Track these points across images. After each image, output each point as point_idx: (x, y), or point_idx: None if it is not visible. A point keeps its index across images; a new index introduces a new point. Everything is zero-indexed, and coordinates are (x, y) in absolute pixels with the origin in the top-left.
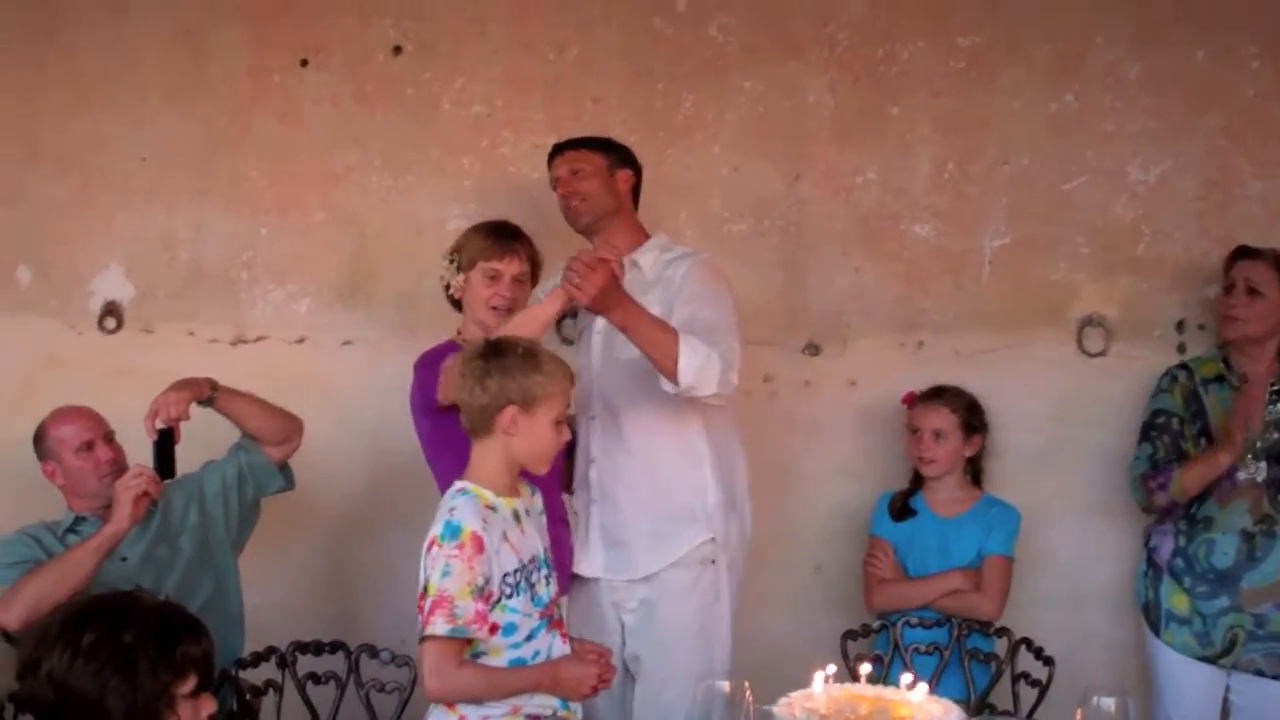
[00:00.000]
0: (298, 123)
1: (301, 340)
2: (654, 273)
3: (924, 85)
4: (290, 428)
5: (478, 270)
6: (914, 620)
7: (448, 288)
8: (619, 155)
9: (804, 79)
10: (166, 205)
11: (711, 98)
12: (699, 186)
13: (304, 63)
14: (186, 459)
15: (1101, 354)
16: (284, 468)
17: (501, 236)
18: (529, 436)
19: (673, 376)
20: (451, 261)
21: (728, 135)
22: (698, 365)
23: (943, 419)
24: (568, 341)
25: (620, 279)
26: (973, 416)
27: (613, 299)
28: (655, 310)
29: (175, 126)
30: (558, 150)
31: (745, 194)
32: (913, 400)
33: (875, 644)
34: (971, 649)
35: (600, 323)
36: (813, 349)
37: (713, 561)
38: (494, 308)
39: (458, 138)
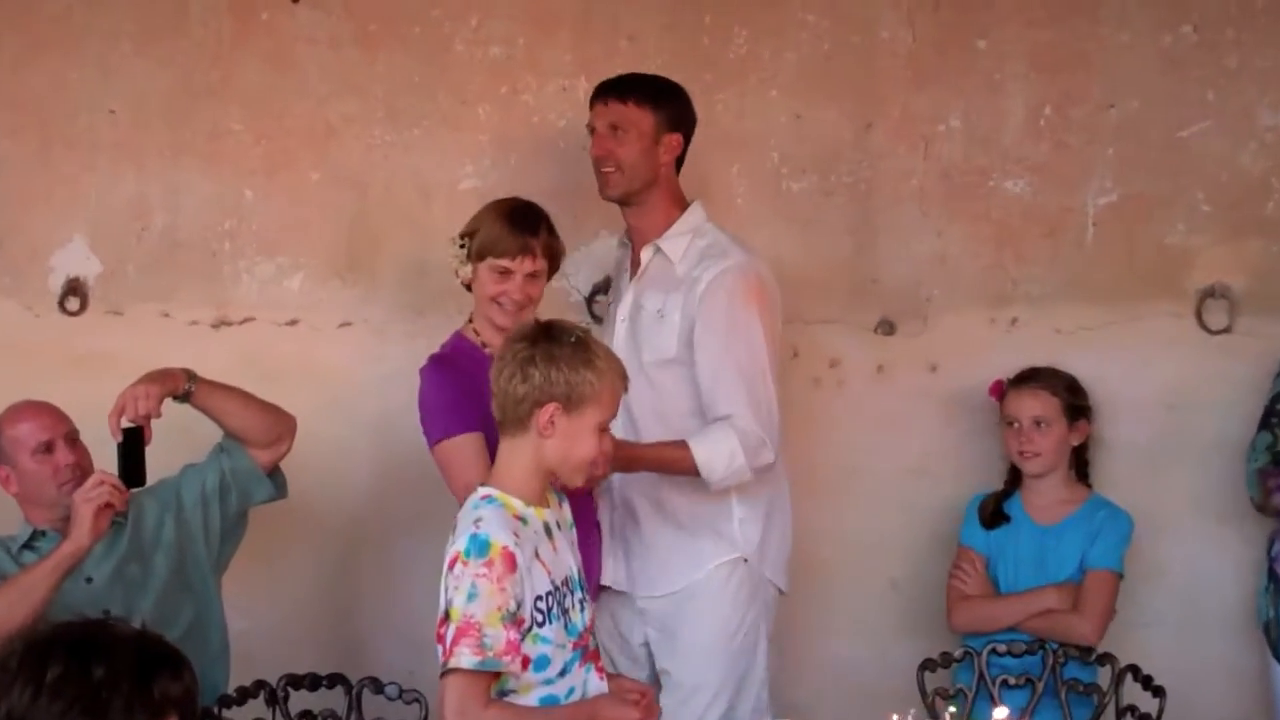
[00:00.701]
0: (288, 68)
1: (294, 322)
2: (684, 267)
3: (1016, 15)
4: (281, 427)
5: (486, 264)
6: (1001, 647)
7: (456, 273)
8: (673, 113)
9: (876, 9)
10: (137, 165)
11: (768, 33)
12: (753, 137)
13: None
14: (163, 462)
15: (1226, 330)
16: (274, 473)
17: (517, 228)
18: (568, 441)
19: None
20: (462, 247)
21: (787, 77)
22: (724, 468)
23: (1042, 404)
24: (597, 320)
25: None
26: (1076, 399)
27: (622, 468)
28: (675, 317)
29: (147, 73)
30: (603, 91)
31: (807, 146)
32: (1002, 389)
33: (957, 675)
34: (1069, 679)
35: (625, 310)
36: (886, 328)
37: (740, 579)
38: (500, 304)
39: (473, 84)
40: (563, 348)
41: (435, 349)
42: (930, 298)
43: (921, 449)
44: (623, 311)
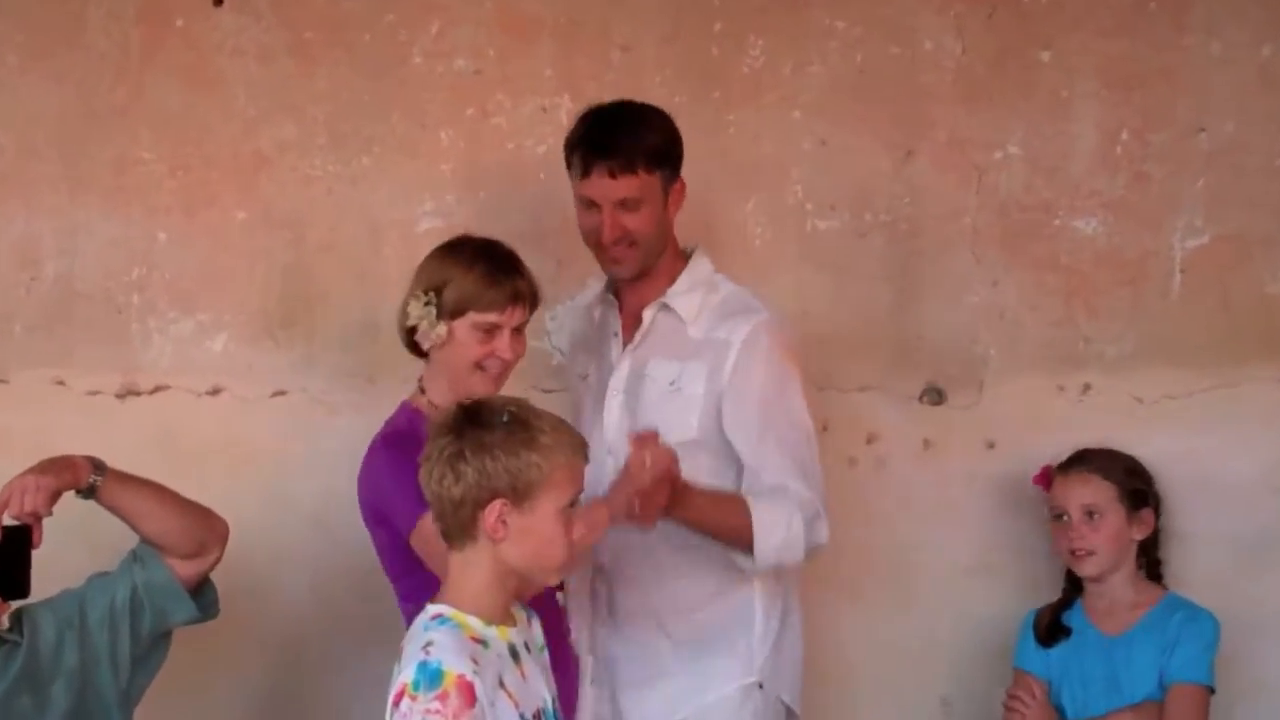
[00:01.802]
0: (209, 85)
1: (216, 391)
2: (700, 328)
3: (1086, 21)
4: (208, 533)
5: (467, 321)
6: None
7: (411, 331)
8: (675, 158)
9: (919, 15)
10: (25, 202)
11: (789, 42)
12: (772, 167)
13: (218, 1)
14: (57, 571)
15: None
16: (199, 589)
17: (502, 275)
18: (529, 538)
19: (749, 556)
20: (428, 303)
21: (812, 95)
22: (780, 539)
23: (1094, 491)
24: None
25: (679, 480)
26: (1135, 483)
27: (675, 503)
28: (696, 389)
29: (38, 92)
30: (597, 153)
31: (837, 177)
32: (1049, 476)
33: None
34: None
35: (620, 381)
36: (934, 396)
37: (754, 709)
38: (485, 369)
39: (434, 103)
40: (494, 432)
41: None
42: (986, 360)
43: (978, 542)
44: (617, 383)
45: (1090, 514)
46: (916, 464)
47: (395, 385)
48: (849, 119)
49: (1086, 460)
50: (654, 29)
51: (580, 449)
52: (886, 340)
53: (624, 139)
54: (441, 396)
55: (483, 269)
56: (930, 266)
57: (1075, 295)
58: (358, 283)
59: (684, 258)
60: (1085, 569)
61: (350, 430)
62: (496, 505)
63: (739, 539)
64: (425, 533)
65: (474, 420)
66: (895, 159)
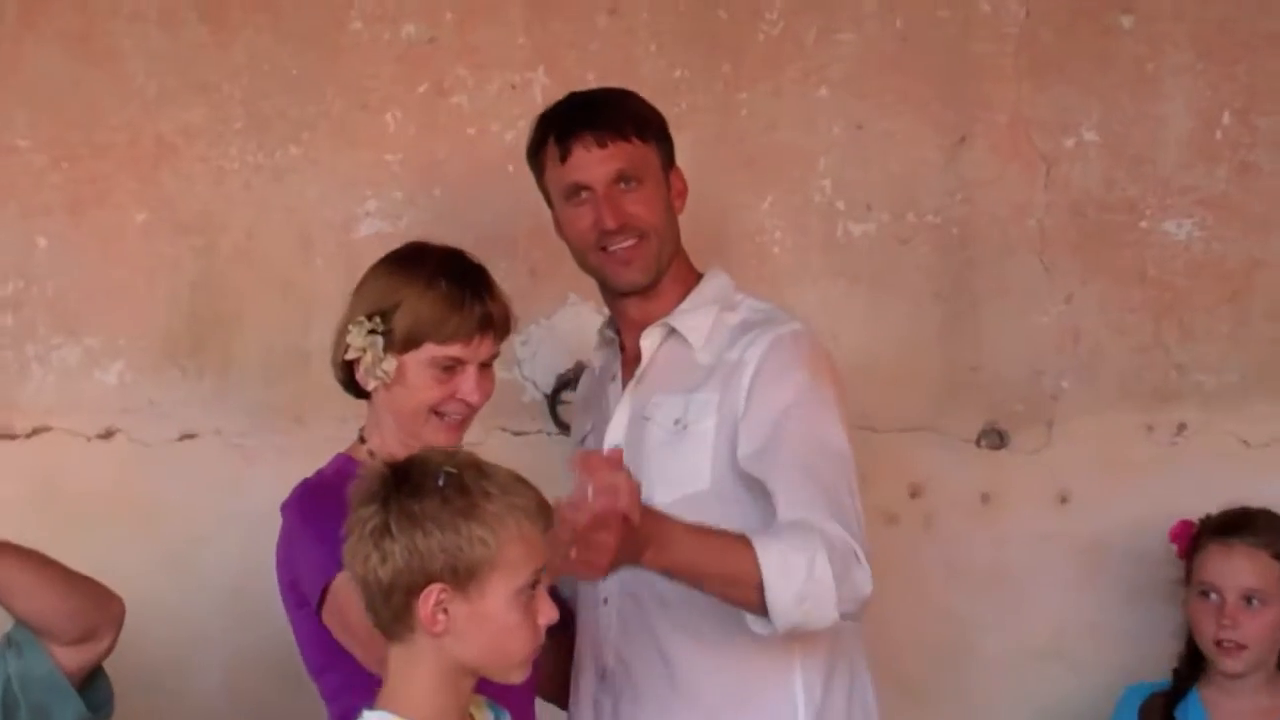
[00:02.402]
0: (100, 57)
1: (109, 434)
2: (711, 352)
3: None
4: (98, 614)
5: (423, 355)
6: None
7: (350, 366)
8: (668, 141)
9: None
10: None
11: (815, 5)
12: (795, 158)
13: None
14: None
15: None
16: (90, 682)
17: (470, 296)
18: (478, 631)
19: (763, 613)
20: (373, 330)
21: (843, 69)
22: (799, 586)
23: (1261, 572)
24: (564, 428)
25: (633, 514)
26: None
27: (636, 547)
28: (705, 424)
29: None
30: (577, 125)
31: (874, 169)
32: (1192, 535)
33: None
34: None
35: (619, 429)
36: (994, 439)
37: None
38: (441, 415)
39: (378, 79)
40: (427, 499)
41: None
42: (1058, 394)
43: (1048, 620)
44: (615, 433)
45: (1250, 599)
46: (972, 522)
47: (329, 427)
48: (888, 98)
49: (1252, 528)
50: None
51: (539, 513)
52: (935, 370)
53: (605, 106)
54: (387, 447)
55: (444, 288)
56: (988, 279)
57: (1166, 314)
58: (283, 300)
59: (696, 275)
60: (1233, 665)
61: (274, 482)
62: (433, 592)
63: (745, 591)
64: (339, 601)
65: (402, 484)
66: (945, 147)
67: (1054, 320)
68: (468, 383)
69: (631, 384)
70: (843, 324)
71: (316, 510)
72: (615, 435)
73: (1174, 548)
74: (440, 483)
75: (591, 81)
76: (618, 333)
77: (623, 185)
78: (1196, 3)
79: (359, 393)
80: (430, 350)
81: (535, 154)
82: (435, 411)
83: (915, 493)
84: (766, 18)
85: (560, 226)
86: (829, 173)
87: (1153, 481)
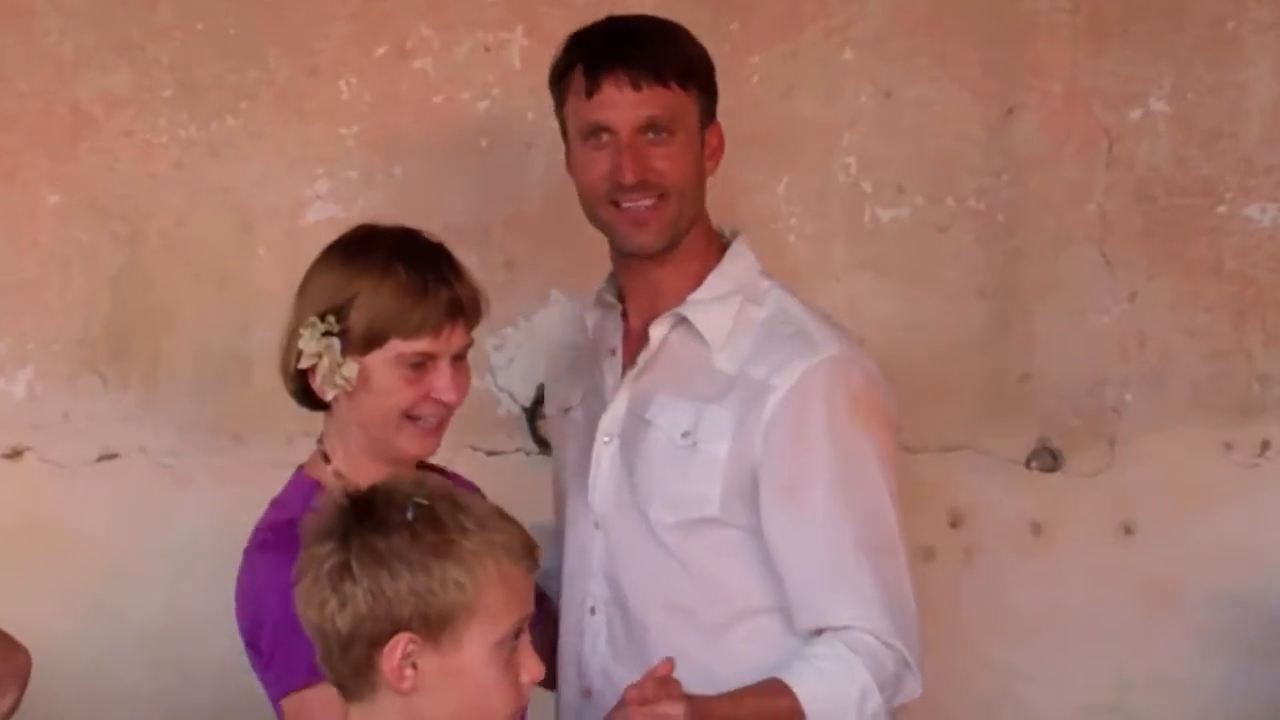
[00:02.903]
0: (5, 12)
1: (16, 453)
2: (731, 357)
3: None
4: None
5: (389, 353)
6: None
7: (303, 374)
8: (713, 90)
9: None
10: None
11: None
12: (815, 130)
13: None
14: None
15: None
16: None
17: (433, 280)
18: (451, 689)
19: None
20: (328, 332)
21: (871, 28)
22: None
23: None
24: (544, 448)
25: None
26: None
27: None
28: (719, 448)
29: None
30: (611, 58)
31: (906, 145)
32: None
33: None
34: None
35: (613, 423)
36: (1047, 460)
37: None
38: (415, 419)
39: (329, 40)
40: (394, 535)
41: (264, 503)
42: (1121, 407)
43: (1109, 671)
44: (610, 425)
45: None
46: (1021, 556)
47: (273, 445)
48: (923, 62)
49: None
50: None
51: (524, 553)
52: (978, 379)
53: (647, 42)
54: (355, 465)
55: (403, 274)
56: (1041, 273)
57: (1248, 314)
58: (219, 297)
59: (719, 245)
60: None
61: (208, 508)
62: (400, 642)
63: None
64: (303, 712)
65: (365, 518)
66: (990, 119)
67: (1116, 321)
68: (442, 379)
69: (633, 373)
70: (871, 325)
71: (286, 559)
72: (611, 428)
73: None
74: (409, 516)
75: None
76: (620, 298)
77: (651, 135)
78: None
79: (316, 404)
80: (396, 347)
81: (559, 78)
82: (408, 416)
83: (955, 522)
84: None
85: (572, 166)
86: (854, 149)
87: (1232, 509)
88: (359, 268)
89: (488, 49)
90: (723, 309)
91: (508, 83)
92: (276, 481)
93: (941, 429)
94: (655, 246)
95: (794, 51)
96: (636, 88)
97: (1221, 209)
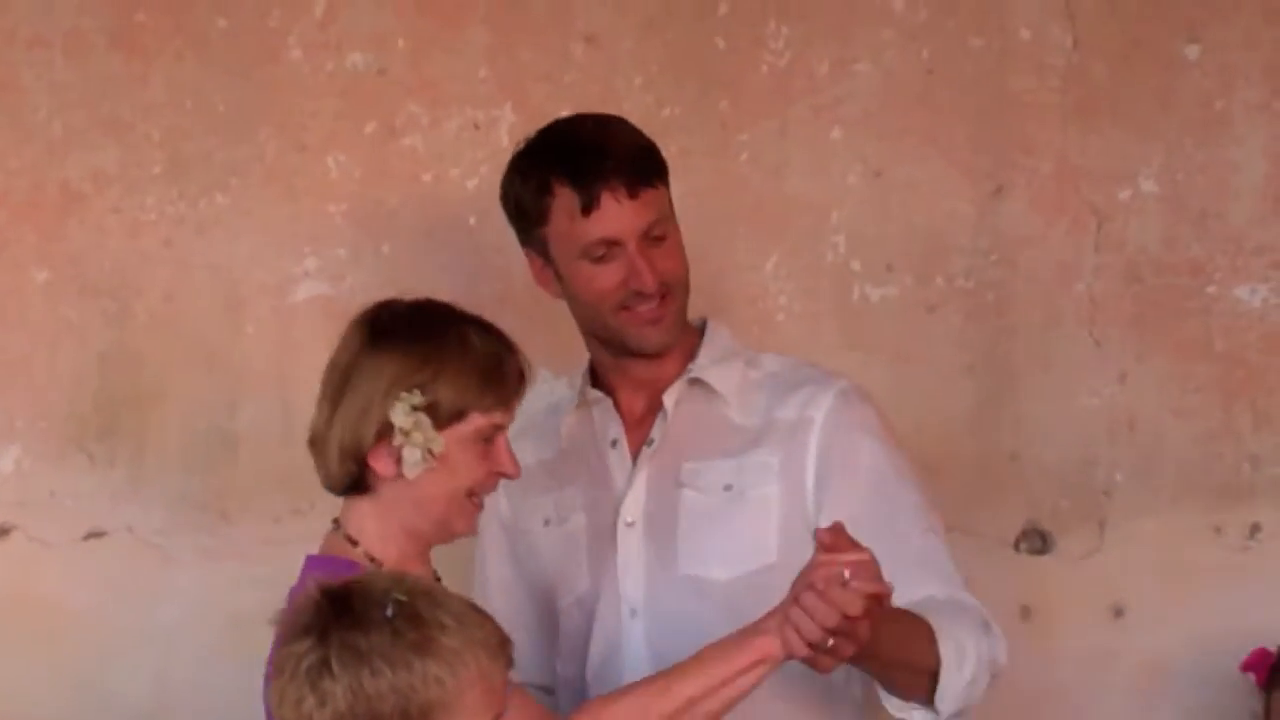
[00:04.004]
0: None
1: (3, 532)
2: (750, 412)
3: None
4: None
5: (468, 427)
6: None
7: (361, 455)
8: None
9: None
10: None
11: (827, 31)
12: (804, 208)
13: None
14: None
15: None
16: None
17: (504, 354)
18: None
19: (927, 701)
20: (416, 406)
21: (859, 106)
22: (970, 675)
23: None
24: None
25: (889, 598)
26: None
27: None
28: (769, 489)
29: None
30: (603, 168)
31: (895, 223)
32: (1271, 666)
33: None
34: None
35: (635, 506)
36: (1036, 541)
37: None
38: (474, 497)
39: (318, 117)
40: (374, 632)
41: (252, 582)
42: (1111, 489)
43: None
44: (632, 508)
45: None
46: (1012, 638)
47: (260, 524)
48: (912, 140)
49: None
50: (632, 10)
51: (501, 650)
52: (967, 459)
53: (627, 146)
54: (389, 546)
55: (480, 347)
56: (1030, 353)
57: (1238, 395)
58: (208, 375)
59: (694, 328)
60: None
61: (196, 589)
62: None
63: (917, 677)
64: None
65: (343, 614)
66: (979, 198)
67: (1106, 402)
68: (504, 454)
69: (647, 449)
70: None
71: None
72: (633, 510)
73: (1244, 679)
74: (389, 613)
75: None
76: (607, 388)
77: (653, 239)
78: (1273, 28)
79: (356, 488)
80: (475, 421)
81: (533, 200)
82: (470, 493)
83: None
84: (771, 46)
85: (568, 283)
86: (843, 227)
87: (1222, 592)
88: (435, 343)
89: (477, 126)
90: (728, 369)
91: (497, 160)
92: (264, 560)
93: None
94: (670, 342)
95: (783, 129)
96: (634, 196)
97: (1211, 289)
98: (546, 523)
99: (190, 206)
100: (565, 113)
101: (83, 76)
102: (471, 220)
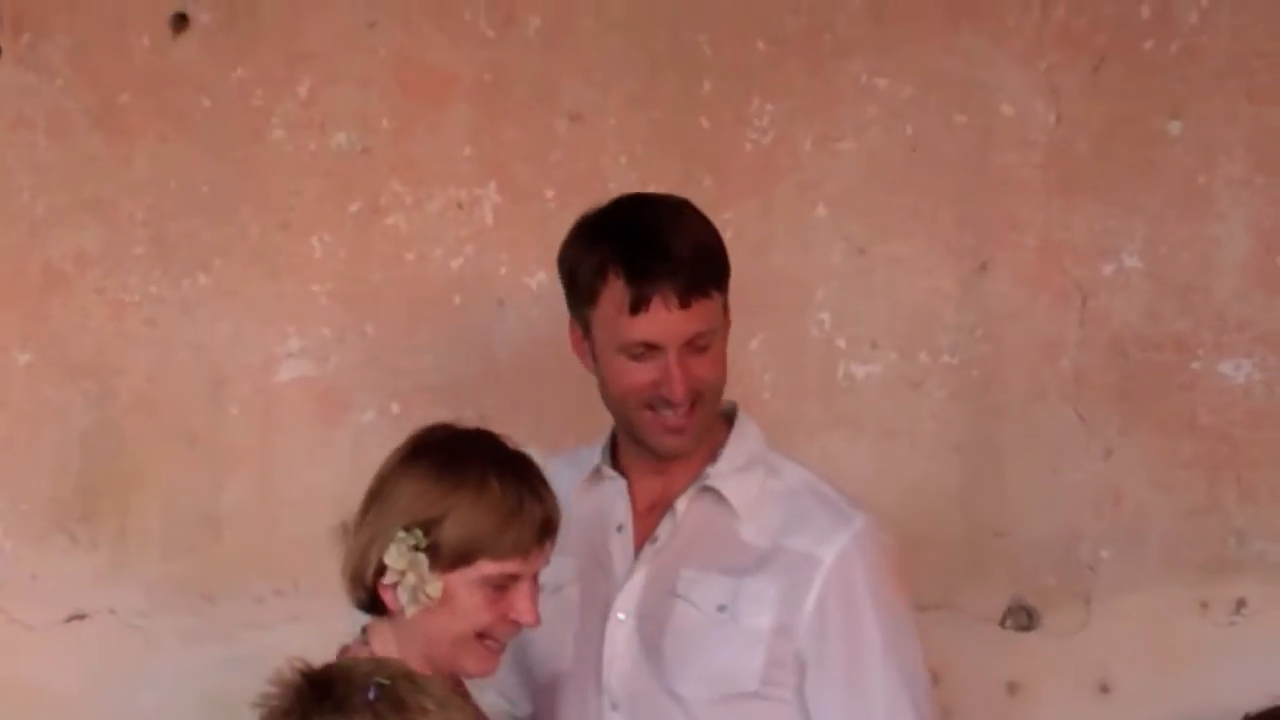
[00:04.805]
0: None
1: None
2: (762, 531)
3: (1230, 78)
4: None
5: (475, 573)
6: None
7: (374, 584)
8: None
9: (995, 68)
10: None
11: (812, 109)
12: (786, 286)
13: None
14: None
15: None
16: None
17: (526, 500)
18: None
19: None
20: (416, 546)
21: (844, 184)
22: None
23: None
24: None
25: None
26: None
27: None
28: (760, 620)
29: None
30: (659, 271)
31: (880, 300)
32: None
33: None
34: None
35: (630, 599)
36: (1022, 618)
37: None
38: (487, 639)
39: (302, 198)
40: (355, 716)
41: (235, 664)
42: (1096, 565)
43: None
44: (626, 602)
45: None
46: (997, 716)
47: (243, 606)
48: (896, 217)
49: None
50: (617, 89)
51: None
52: (952, 535)
53: (693, 252)
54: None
55: (498, 491)
56: (1015, 429)
57: (1223, 470)
58: (190, 456)
59: (725, 421)
60: None
61: (178, 673)
62: None
63: None
64: None
65: (324, 699)
66: (963, 275)
67: (1091, 478)
68: (523, 601)
69: (651, 546)
70: (845, 482)
71: None
72: (627, 605)
73: None
74: (371, 696)
75: (551, 200)
76: (622, 473)
77: (694, 348)
78: (1255, 106)
79: (375, 609)
80: (483, 568)
81: (592, 277)
82: (479, 635)
83: (932, 681)
84: (755, 124)
85: (601, 368)
86: (828, 304)
87: (1208, 669)
88: (452, 481)
89: (460, 205)
90: (746, 479)
91: (480, 239)
92: (247, 641)
93: (915, 586)
94: (689, 450)
95: (767, 207)
96: (685, 305)
97: (1195, 365)
98: (558, 590)
99: (173, 286)
100: (551, 191)
101: (65, 157)
102: (456, 299)
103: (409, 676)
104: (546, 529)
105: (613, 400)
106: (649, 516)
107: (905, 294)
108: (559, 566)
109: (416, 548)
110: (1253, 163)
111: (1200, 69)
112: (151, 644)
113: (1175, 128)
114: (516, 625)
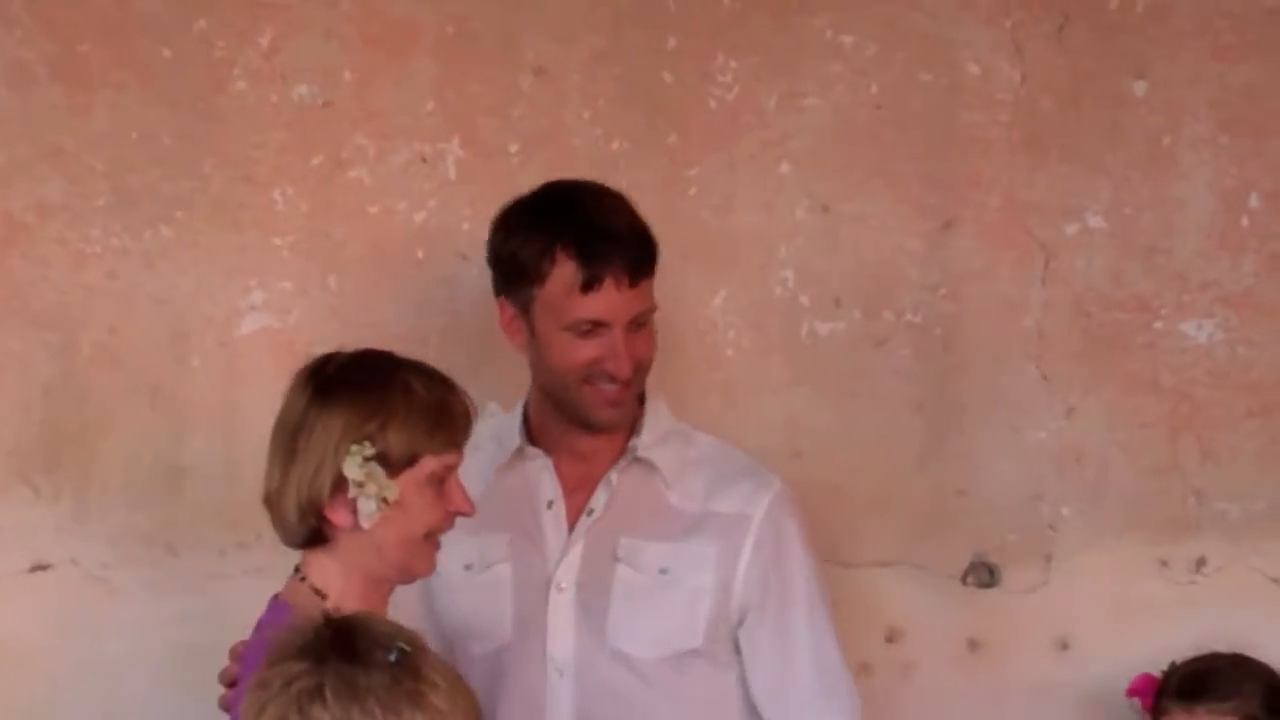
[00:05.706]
0: None
1: None
2: (690, 496)
3: (1196, 38)
4: None
5: (420, 471)
6: None
7: (318, 507)
8: None
9: (960, 27)
10: None
11: (775, 65)
12: (751, 244)
13: None
14: None
15: None
16: None
17: (451, 398)
18: None
19: None
20: (369, 457)
21: (808, 141)
22: None
23: None
24: None
25: None
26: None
27: None
28: (703, 579)
29: None
30: (611, 253)
31: (844, 258)
32: (1155, 695)
33: None
34: None
35: (570, 569)
36: (984, 575)
37: None
38: (433, 538)
39: (265, 149)
40: (375, 672)
41: (198, 615)
42: (1057, 523)
43: None
44: (566, 575)
45: None
46: (958, 672)
47: (206, 558)
48: (860, 175)
49: (1216, 685)
50: (581, 44)
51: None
52: (915, 495)
53: (635, 233)
54: (353, 597)
55: (424, 392)
56: (977, 388)
57: (1184, 430)
58: (152, 408)
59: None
60: None
61: (141, 623)
62: None
63: None
64: None
65: (346, 648)
66: (927, 233)
67: (1053, 437)
68: (458, 492)
69: (587, 518)
70: (808, 440)
71: None
72: (566, 578)
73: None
74: (393, 658)
75: (514, 155)
76: (546, 451)
77: (636, 326)
78: (1219, 66)
79: (314, 540)
80: (427, 465)
81: (534, 261)
82: (428, 536)
83: (892, 638)
84: (719, 80)
85: (543, 346)
86: (791, 262)
87: (1167, 625)
88: (378, 394)
89: (424, 159)
90: (669, 450)
91: (444, 193)
92: (209, 593)
93: (878, 544)
94: (623, 421)
95: (731, 164)
96: (633, 284)
97: (1158, 325)
98: (468, 567)
99: (135, 239)
100: (515, 145)
101: (24, 108)
102: (419, 253)
103: (424, 650)
104: (469, 419)
105: (553, 375)
106: (577, 492)
107: (869, 252)
108: (489, 543)
109: (369, 458)
110: (1217, 123)
111: (1165, 28)
112: (115, 594)
113: (1140, 88)
114: (454, 517)
